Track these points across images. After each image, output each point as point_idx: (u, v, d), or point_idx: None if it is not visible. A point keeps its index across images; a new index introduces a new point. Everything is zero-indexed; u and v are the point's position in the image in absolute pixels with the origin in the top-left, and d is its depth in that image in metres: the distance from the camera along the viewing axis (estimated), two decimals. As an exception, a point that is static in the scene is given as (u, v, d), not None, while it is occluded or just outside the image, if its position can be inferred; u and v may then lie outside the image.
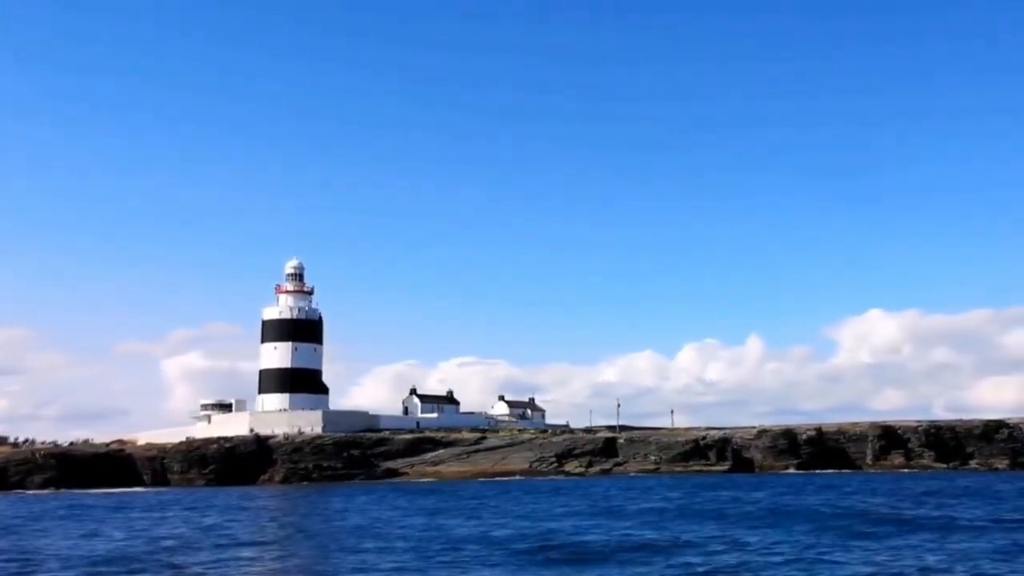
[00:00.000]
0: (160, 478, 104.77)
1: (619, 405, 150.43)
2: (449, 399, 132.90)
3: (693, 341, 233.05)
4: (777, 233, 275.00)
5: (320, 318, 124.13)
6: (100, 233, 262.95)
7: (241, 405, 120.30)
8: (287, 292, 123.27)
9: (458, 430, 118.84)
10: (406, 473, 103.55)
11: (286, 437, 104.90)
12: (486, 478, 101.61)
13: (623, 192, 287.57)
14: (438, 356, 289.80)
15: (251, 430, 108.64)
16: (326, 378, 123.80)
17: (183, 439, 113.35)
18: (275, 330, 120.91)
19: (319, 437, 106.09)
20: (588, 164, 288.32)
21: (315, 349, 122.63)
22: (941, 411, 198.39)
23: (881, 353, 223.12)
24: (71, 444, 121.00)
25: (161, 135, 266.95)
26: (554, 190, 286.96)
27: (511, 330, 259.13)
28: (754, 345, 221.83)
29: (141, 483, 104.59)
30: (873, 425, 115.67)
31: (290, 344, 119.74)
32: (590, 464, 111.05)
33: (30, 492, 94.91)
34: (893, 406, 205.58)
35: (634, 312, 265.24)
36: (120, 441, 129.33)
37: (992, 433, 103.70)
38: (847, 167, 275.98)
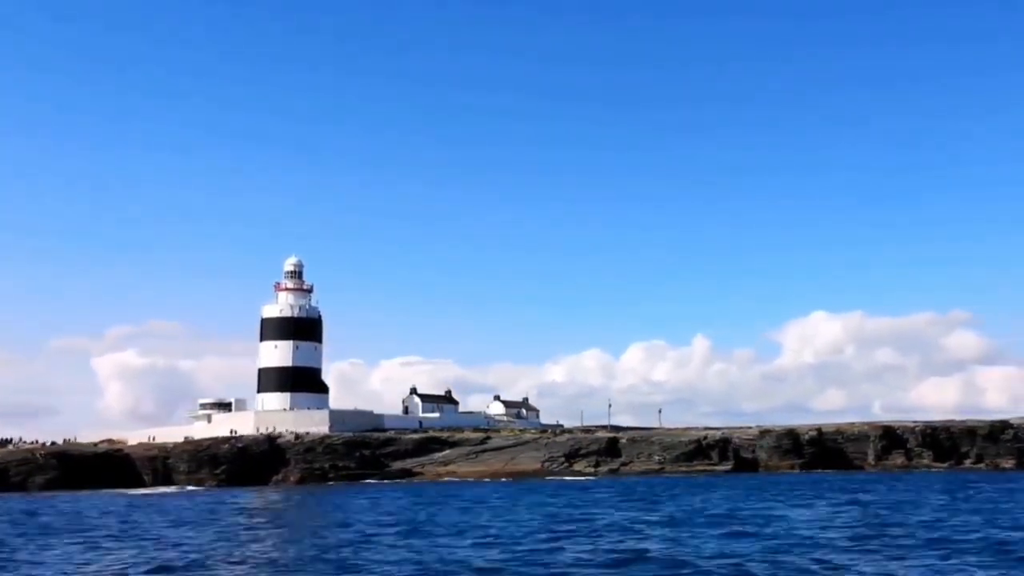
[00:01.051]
0: (163, 478, 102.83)
1: (610, 405, 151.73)
2: (448, 399, 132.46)
3: (640, 341, 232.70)
4: (724, 235, 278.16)
5: (320, 316, 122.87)
6: (46, 229, 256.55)
7: (241, 405, 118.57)
8: (287, 290, 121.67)
9: (460, 430, 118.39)
10: (421, 473, 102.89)
11: (297, 437, 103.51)
12: (502, 478, 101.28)
13: (569, 191, 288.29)
14: (381, 355, 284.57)
15: (257, 429, 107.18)
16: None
17: (181, 439, 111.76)
18: (275, 328, 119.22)
19: (328, 437, 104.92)
20: (535, 163, 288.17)
21: (315, 348, 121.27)
22: (880, 412, 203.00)
23: (825, 354, 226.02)
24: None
25: (112, 121, 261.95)
26: (500, 189, 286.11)
27: (457, 329, 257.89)
28: (700, 346, 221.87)
29: (141, 484, 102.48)
30: (872, 426, 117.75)
31: (291, 343, 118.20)
32: (597, 464, 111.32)
33: (36, 494, 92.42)
34: (835, 406, 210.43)
35: (581, 312, 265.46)
36: (110, 441, 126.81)
37: (998, 433, 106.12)
38: (794, 171, 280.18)
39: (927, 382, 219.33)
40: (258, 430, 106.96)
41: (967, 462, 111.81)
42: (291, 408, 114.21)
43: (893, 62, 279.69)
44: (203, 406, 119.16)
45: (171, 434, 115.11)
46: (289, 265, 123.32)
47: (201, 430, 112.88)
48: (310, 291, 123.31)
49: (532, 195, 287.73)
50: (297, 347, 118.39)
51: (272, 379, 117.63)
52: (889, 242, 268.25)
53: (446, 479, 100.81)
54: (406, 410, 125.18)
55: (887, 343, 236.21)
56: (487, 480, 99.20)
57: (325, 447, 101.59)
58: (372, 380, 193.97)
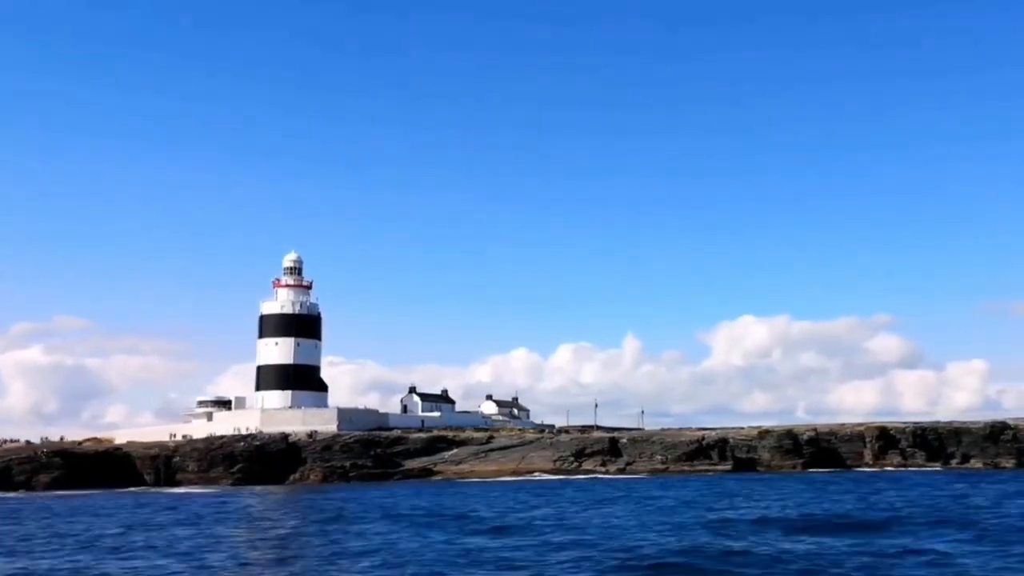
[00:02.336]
0: (166, 477, 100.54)
1: (596, 405, 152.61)
2: (445, 398, 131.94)
3: (568, 342, 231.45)
4: (655, 238, 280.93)
5: (319, 313, 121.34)
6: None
7: (240, 403, 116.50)
8: (287, 286, 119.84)
9: (462, 429, 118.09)
10: (440, 472, 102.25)
11: (309, 436, 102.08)
12: (521, 476, 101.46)
13: (497, 192, 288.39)
14: None
15: (261, 428, 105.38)
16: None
17: (180, 437, 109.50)
18: (276, 325, 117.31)
19: (339, 436, 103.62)
20: (463, 162, 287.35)
21: (316, 345, 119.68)
22: (803, 414, 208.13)
23: (753, 357, 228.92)
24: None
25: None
26: (426, 188, 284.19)
27: (378, 329, 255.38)
28: (630, 347, 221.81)
29: (142, 483, 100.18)
30: (867, 427, 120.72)
31: (292, 340, 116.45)
32: (603, 463, 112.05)
33: (45, 493, 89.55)
34: (760, 408, 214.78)
35: (508, 313, 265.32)
36: (96, 439, 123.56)
37: (998, 434, 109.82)
38: (724, 176, 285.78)
39: (848, 385, 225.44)
40: (260, 429, 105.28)
41: (953, 462, 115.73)
42: (292, 406, 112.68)
43: (813, 64, 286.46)
44: (201, 403, 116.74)
45: (160, 433, 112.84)
46: (288, 261, 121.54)
47: (201, 428, 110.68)
48: (309, 287, 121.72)
49: (460, 194, 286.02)
50: (298, 344, 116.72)
51: (273, 377, 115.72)
52: (814, 246, 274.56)
53: (467, 478, 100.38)
54: (405, 409, 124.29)
55: (812, 347, 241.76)
56: (508, 479, 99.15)
57: (341, 446, 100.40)
58: None
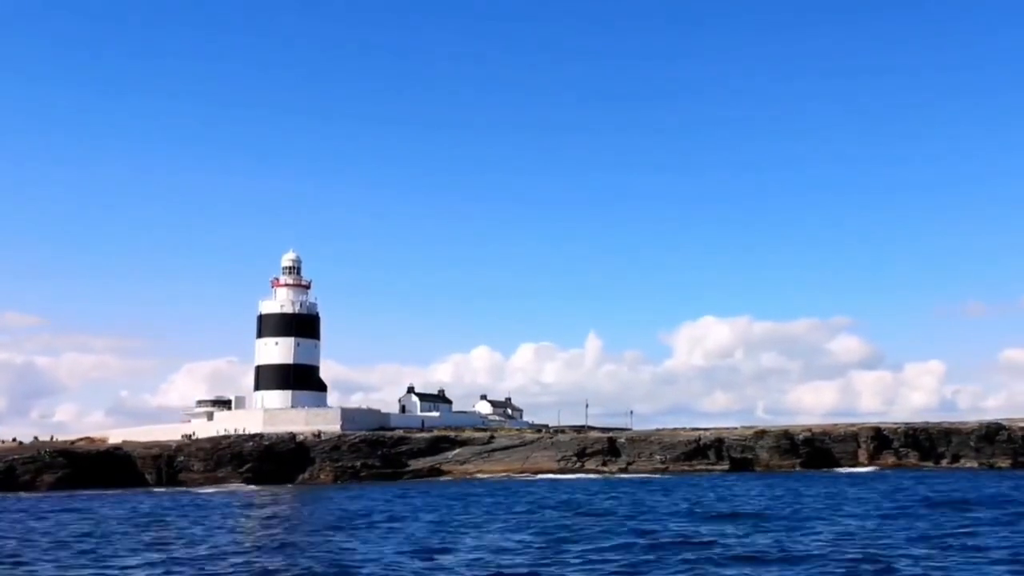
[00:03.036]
0: (168, 477, 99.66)
1: (587, 405, 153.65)
2: (443, 398, 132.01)
3: (530, 342, 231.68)
4: (618, 238, 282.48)
5: (318, 313, 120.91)
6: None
7: (241, 402, 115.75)
8: (286, 286, 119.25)
9: (462, 429, 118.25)
10: (449, 472, 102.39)
11: (316, 435, 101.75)
12: (530, 475, 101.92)
13: (458, 190, 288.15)
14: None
15: (265, 427, 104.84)
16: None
17: (179, 437, 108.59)
18: (276, 324, 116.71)
19: (344, 435, 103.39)
20: (419, 158, 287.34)
21: (315, 345, 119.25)
22: (762, 413, 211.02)
23: (714, 357, 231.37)
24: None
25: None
26: (385, 186, 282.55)
27: (340, 329, 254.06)
28: (592, 347, 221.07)
29: (143, 483, 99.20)
30: (861, 427, 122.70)
31: (292, 339, 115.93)
32: (604, 463, 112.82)
33: (51, 493, 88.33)
34: (721, 408, 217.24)
35: (469, 312, 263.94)
36: (89, 439, 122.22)
37: (993, 435, 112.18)
38: (685, 175, 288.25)
39: (807, 385, 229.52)
40: (263, 429, 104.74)
41: (944, 462, 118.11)
42: (293, 406, 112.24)
43: (775, 63, 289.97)
44: (200, 403, 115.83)
45: (154, 433, 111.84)
46: (287, 260, 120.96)
47: (201, 428, 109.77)
48: (308, 287, 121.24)
49: (420, 192, 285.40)
50: (298, 344, 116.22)
51: (272, 376, 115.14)
52: (776, 248, 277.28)
53: (475, 477, 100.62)
54: (403, 408, 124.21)
55: (773, 347, 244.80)
56: (517, 477, 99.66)
57: (349, 446, 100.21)
58: (248, 379, 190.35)
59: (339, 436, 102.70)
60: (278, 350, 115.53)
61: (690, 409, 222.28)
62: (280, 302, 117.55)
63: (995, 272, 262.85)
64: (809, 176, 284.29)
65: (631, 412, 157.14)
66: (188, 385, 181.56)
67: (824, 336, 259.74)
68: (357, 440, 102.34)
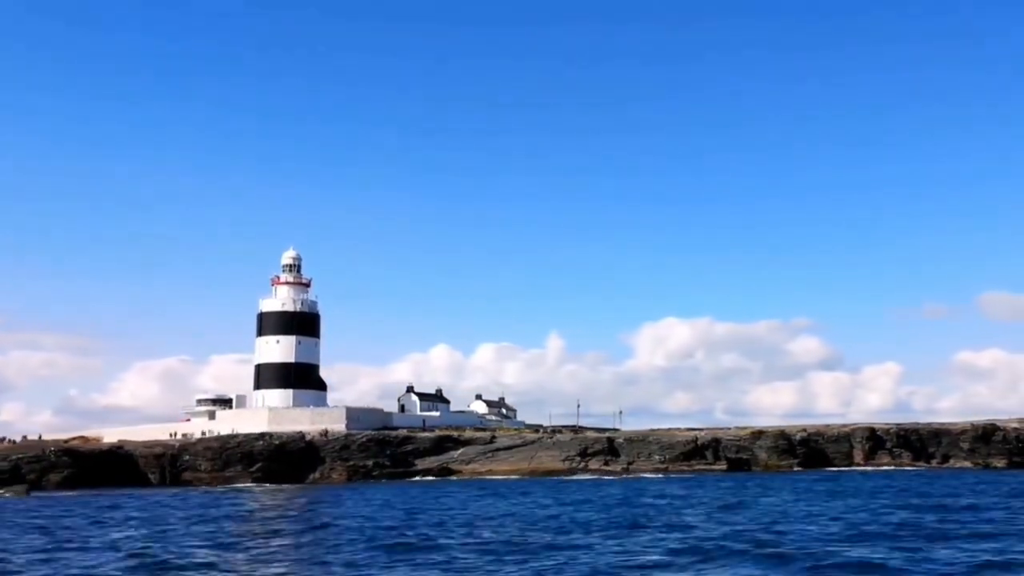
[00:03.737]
0: (172, 477, 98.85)
1: (579, 405, 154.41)
2: (441, 397, 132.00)
3: (491, 341, 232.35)
4: (581, 239, 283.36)
5: (318, 311, 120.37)
6: None
7: (241, 401, 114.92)
8: (287, 284, 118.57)
9: (462, 428, 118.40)
10: (460, 472, 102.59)
11: (323, 434, 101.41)
12: (539, 475, 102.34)
13: (419, 188, 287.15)
14: (211, 350, 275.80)
15: (271, 426, 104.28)
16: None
17: (180, 435, 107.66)
18: (276, 323, 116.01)
19: (351, 435, 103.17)
20: (377, 155, 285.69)
21: (316, 343, 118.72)
22: (721, 414, 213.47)
23: (675, 358, 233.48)
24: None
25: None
26: (340, 182, 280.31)
27: None
28: (553, 347, 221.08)
29: (146, 482, 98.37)
30: (853, 428, 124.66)
31: (294, 338, 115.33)
32: (606, 463, 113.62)
33: (57, 492, 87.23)
34: (681, 408, 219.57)
35: (429, 312, 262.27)
36: (83, 438, 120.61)
37: (990, 435, 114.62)
38: (648, 175, 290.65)
39: (766, 386, 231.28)
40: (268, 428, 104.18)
41: (933, 462, 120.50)
42: (294, 405, 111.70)
43: (740, 65, 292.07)
44: (200, 402, 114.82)
45: (147, 433, 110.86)
46: (287, 258, 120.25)
47: (201, 427, 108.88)
48: (308, 285, 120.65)
49: (380, 190, 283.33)
50: (299, 342, 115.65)
51: (273, 375, 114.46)
52: (737, 250, 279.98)
53: (484, 477, 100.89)
54: (402, 408, 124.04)
55: (734, 348, 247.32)
56: (527, 477, 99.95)
57: (358, 445, 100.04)
58: (203, 377, 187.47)
59: (346, 436, 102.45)
60: (279, 348, 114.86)
61: (651, 410, 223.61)
62: (281, 300, 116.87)
63: (954, 275, 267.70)
64: (771, 179, 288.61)
65: (620, 412, 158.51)
66: (139, 384, 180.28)
67: (785, 337, 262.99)
68: (364, 439, 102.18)
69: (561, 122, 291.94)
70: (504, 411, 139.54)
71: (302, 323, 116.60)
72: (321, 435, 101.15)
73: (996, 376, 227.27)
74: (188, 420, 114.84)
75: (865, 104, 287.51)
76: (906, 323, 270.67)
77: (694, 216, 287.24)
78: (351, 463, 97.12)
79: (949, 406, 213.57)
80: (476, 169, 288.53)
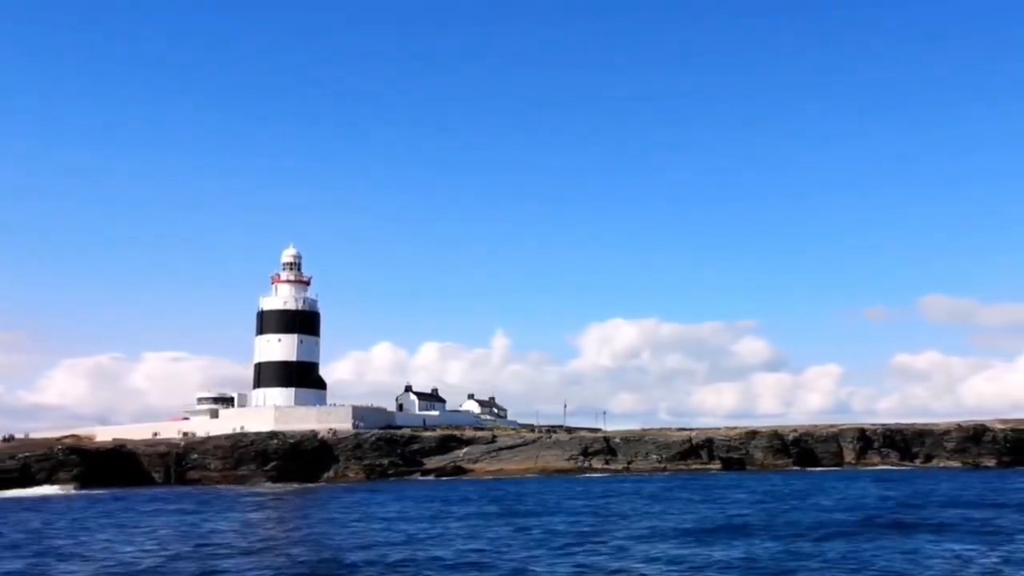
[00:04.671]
0: (177, 475, 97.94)
1: (566, 406, 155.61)
2: (437, 397, 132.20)
3: (435, 340, 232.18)
4: (528, 240, 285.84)
5: (318, 310, 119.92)
6: None
7: (242, 400, 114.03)
8: (288, 282, 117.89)
9: (461, 427, 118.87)
10: (472, 471, 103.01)
11: (331, 433, 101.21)
12: (548, 474, 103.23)
13: (365, 188, 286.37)
14: (144, 347, 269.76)
15: (279, 425, 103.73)
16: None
17: (180, 434, 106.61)
18: (278, 321, 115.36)
19: (360, 434, 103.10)
20: (329, 160, 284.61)
21: (316, 342, 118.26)
22: (665, 415, 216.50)
23: (621, 358, 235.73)
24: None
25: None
26: (279, 180, 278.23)
27: (229, 325, 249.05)
28: (499, 346, 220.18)
29: (150, 481, 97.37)
30: (842, 428, 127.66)
31: (296, 336, 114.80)
32: (607, 462, 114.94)
33: (74, 492, 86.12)
34: (626, 408, 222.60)
35: (371, 310, 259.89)
36: (75, 436, 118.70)
37: (980, 435, 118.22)
38: (595, 175, 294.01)
39: (710, 387, 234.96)
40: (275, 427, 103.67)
41: (927, 460, 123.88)
42: (296, 403, 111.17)
43: (685, 70, 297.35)
44: (201, 400, 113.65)
45: (140, 431, 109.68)
46: (288, 256, 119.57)
47: (203, 425, 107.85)
48: (308, 283, 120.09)
49: (324, 188, 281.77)
50: (301, 341, 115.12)
51: (274, 374, 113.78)
52: (685, 252, 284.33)
53: (497, 476, 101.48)
54: (400, 407, 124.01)
55: (680, 349, 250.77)
56: (541, 476, 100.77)
57: (371, 444, 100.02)
58: (135, 376, 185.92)
59: (356, 434, 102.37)
60: (281, 347, 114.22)
61: (595, 409, 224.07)
62: (283, 299, 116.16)
63: (896, 278, 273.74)
64: (717, 182, 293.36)
65: (604, 413, 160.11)
66: (67, 382, 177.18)
67: (730, 339, 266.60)
68: (374, 438, 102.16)
69: (505, 122, 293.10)
70: (495, 410, 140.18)
71: (304, 322, 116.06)
72: (329, 433, 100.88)
73: (932, 378, 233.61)
74: (185, 419, 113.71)
75: (811, 107, 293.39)
76: (849, 325, 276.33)
77: (641, 218, 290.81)
78: (366, 462, 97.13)
79: (887, 407, 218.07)
80: (421, 168, 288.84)
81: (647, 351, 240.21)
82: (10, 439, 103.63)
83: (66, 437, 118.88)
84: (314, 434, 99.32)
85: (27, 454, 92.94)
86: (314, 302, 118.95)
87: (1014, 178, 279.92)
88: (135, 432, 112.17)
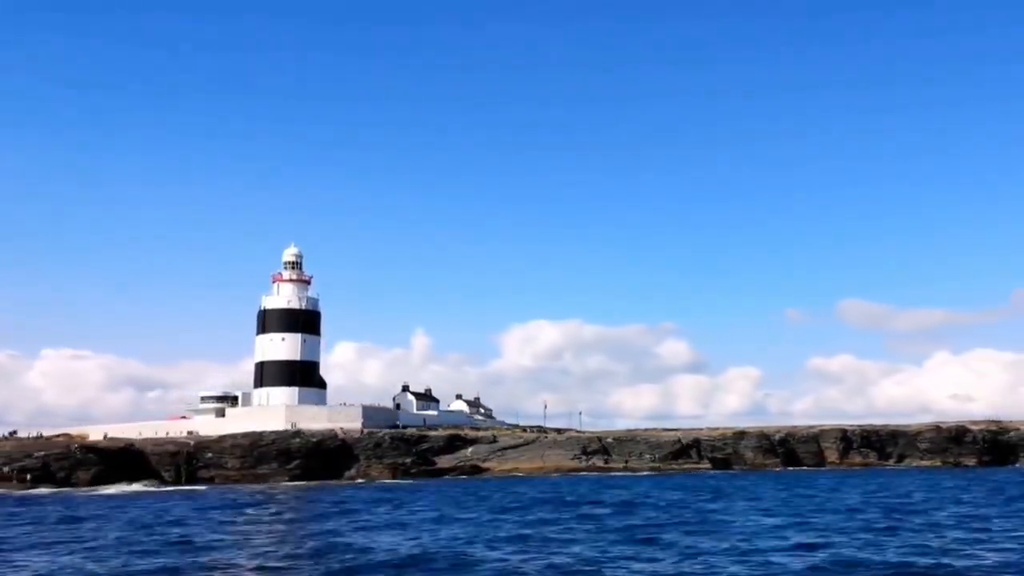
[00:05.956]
0: (187, 474, 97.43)
1: (546, 406, 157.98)
2: (431, 397, 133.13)
3: (352, 339, 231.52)
4: (454, 240, 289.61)
5: (320, 309, 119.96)
6: None
7: (247, 399, 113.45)
8: (290, 281, 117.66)
9: (460, 427, 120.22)
10: (488, 469, 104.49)
11: (342, 431, 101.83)
12: (563, 473, 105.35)
13: (281, 182, 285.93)
14: (41, 344, 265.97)
15: (292, 424, 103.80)
16: None
17: (186, 433, 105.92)
18: (281, 320, 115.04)
19: (373, 433, 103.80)
20: (216, 152, 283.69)
21: (318, 342, 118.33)
22: (584, 416, 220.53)
23: (543, 359, 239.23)
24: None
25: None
26: (209, 178, 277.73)
27: (141, 323, 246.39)
28: (419, 346, 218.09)
29: (159, 479, 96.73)
30: (822, 429, 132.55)
31: (299, 336, 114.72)
32: (606, 462, 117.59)
33: (90, 489, 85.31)
34: (549, 410, 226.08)
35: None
36: (67, 435, 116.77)
37: (961, 436, 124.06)
38: (521, 175, 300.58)
39: (629, 389, 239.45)
40: (293, 425, 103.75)
41: (900, 461, 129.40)
42: (300, 403, 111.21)
43: (619, 74, 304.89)
44: (205, 399, 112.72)
45: (133, 430, 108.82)
46: (289, 256, 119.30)
47: (209, 425, 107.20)
48: (309, 282, 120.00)
49: (230, 183, 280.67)
50: (304, 340, 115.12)
51: (278, 373, 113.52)
52: (607, 254, 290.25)
53: (512, 475, 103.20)
54: (397, 406, 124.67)
55: (602, 351, 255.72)
56: (556, 475, 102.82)
57: (389, 443, 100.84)
58: (31, 375, 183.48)
59: (369, 433, 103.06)
60: (284, 346, 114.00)
61: (516, 409, 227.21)
62: (286, 298, 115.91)
63: (816, 282, 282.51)
64: (638, 184, 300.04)
65: (580, 413, 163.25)
66: None
67: (652, 340, 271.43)
68: (389, 438, 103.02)
69: (430, 120, 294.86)
70: (482, 411, 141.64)
71: (307, 321, 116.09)
72: (341, 432, 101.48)
73: (845, 380, 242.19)
74: (183, 418, 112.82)
75: (732, 110, 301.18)
76: (769, 328, 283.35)
77: (566, 219, 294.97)
78: (388, 461, 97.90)
79: (803, 408, 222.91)
80: (347, 167, 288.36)
81: (570, 352, 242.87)
82: (13, 435, 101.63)
83: (59, 436, 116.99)
84: (334, 433, 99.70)
85: (45, 452, 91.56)
86: (315, 301, 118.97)
87: (933, 185, 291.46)
88: (127, 431, 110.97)
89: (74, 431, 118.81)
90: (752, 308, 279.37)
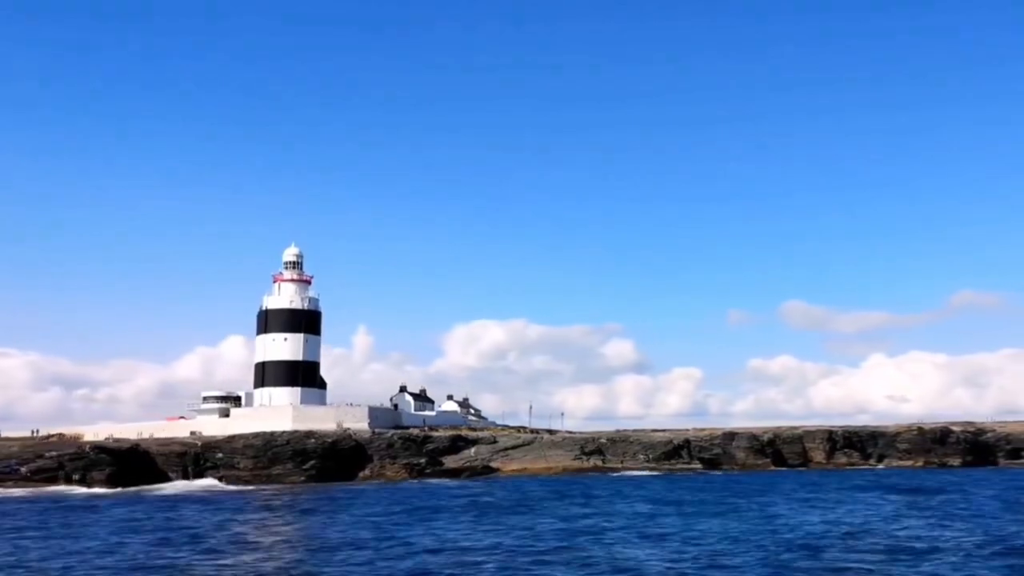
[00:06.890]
0: (195, 474, 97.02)
1: (531, 407, 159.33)
2: (426, 397, 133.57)
3: None
4: (401, 238, 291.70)
5: (320, 309, 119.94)
6: None
7: (249, 399, 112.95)
8: (291, 281, 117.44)
9: (459, 427, 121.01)
10: (499, 469, 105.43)
11: (348, 432, 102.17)
12: (571, 473, 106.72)
13: (212, 180, 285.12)
14: None
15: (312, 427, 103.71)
16: None
17: (189, 433, 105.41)
18: (283, 320, 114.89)
19: (381, 433, 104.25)
20: (149, 151, 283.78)
21: (318, 341, 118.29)
22: (525, 416, 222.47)
23: (487, 359, 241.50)
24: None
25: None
26: (141, 176, 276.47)
27: (70, 320, 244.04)
28: (360, 344, 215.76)
29: (166, 479, 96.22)
30: (806, 430, 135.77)
31: (302, 336, 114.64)
32: (604, 462, 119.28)
33: (109, 489, 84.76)
34: (489, 409, 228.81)
35: (219, 302, 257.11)
36: (60, 435, 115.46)
37: (946, 436, 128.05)
38: (465, 173, 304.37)
39: (571, 388, 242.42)
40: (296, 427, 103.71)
41: (872, 460, 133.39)
42: (302, 403, 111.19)
43: (574, 76, 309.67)
44: (207, 399, 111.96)
45: (130, 430, 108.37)
46: (290, 255, 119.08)
47: (213, 425, 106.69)
48: (309, 282, 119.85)
49: (162, 177, 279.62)
50: (306, 340, 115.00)
51: (280, 373, 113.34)
52: (552, 253, 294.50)
53: (521, 475, 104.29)
54: (395, 407, 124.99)
55: (547, 351, 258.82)
56: (565, 475, 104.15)
57: (401, 444, 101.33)
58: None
59: (378, 433, 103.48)
60: (287, 346, 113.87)
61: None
62: (288, 298, 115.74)
63: (760, 283, 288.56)
64: (586, 185, 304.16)
65: (562, 414, 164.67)
66: None
67: (597, 341, 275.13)
68: (400, 438, 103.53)
69: (376, 119, 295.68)
70: (472, 411, 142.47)
71: (308, 321, 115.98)
72: (344, 431, 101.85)
73: (785, 381, 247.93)
74: (182, 418, 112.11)
75: (685, 116, 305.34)
76: (712, 329, 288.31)
77: (511, 219, 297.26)
78: (403, 461, 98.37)
79: (743, 409, 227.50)
80: (282, 166, 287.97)
81: (514, 352, 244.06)
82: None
83: (53, 435, 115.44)
84: (348, 434, 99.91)
85: (57, 452, 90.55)
86: (316, 301, 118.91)
87: (877, 189, 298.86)
88: (126, 431, 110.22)
89: (67, 431, 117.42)
90: (697, 309, 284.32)
